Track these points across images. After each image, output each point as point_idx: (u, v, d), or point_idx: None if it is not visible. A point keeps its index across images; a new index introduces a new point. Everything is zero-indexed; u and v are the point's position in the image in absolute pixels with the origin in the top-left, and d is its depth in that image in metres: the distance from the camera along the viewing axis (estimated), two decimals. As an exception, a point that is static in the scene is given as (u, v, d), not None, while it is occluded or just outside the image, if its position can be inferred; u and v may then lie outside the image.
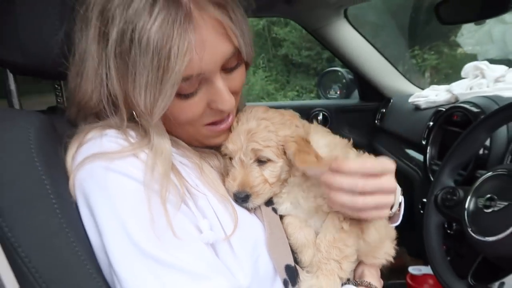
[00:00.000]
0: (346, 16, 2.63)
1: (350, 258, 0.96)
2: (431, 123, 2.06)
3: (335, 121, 3.04)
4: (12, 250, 0.71)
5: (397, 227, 1.16)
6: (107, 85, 0.87)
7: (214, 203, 0.92)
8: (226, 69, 0.91)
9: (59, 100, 1.19)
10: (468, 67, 2.23)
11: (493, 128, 1.36)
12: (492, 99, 1.72)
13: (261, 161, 0.98)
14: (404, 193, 1.15)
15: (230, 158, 1.01)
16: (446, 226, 1.52)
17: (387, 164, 0.91)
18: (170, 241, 0.80)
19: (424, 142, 2.09)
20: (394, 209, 1.01)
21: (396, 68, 2.86)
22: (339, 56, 2.86)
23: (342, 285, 0.97)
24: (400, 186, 1.15)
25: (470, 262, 1.26)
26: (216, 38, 0.84)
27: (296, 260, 0.99)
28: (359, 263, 1.08)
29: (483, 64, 2.16)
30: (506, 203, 1.11)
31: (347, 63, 2.89)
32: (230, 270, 0.88)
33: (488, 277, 1.18)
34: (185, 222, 0.85)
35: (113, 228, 0.78)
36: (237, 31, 0.86)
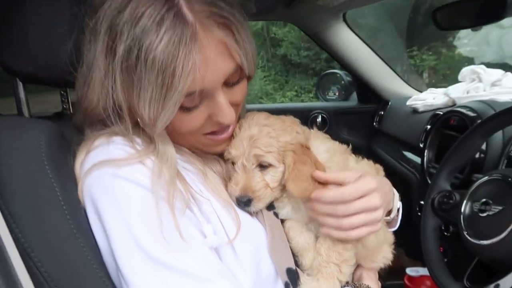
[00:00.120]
0: (345, 20, 2.66)
1: (349, 261, 0.99)
2: (429, 127, 2.10)
3: (333, 123, 3.06)
4: (26, 254, 0.74)
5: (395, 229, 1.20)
6: (112, 95, 0.90)
7: (217, 208, 0.95)
8: (228, 83, 0.94)
9: (64, 106, 1.21)
10: (465, 71, 2.26)
11: (488, 133, 1.39)
12: (488, 104, 1.76)
13: (262, 166, 1.00)
14: (402, 195, 1.18)
15: (233, 163, 1.04)
16: (443, 228, 1.55)
17: (367, 184, 0.96)
18: (176, 246, 0.83)
19: (421, 145, 2.12)
20: (392, 215, 1.05)
21: (395, 71, 2.89)
22: (338, 59, 2.89)
23: (341, 287, 1.00)
24: (398, 188, 1.19)
25: (466, 264, 1.30)
26: (219, 58, 0.87)
27: (296, 263, 1.02)
28: (358, 266, 1.11)
29: (480, 68, 2.19)
30: (500, 208, 1.14)
31: (346, 66, 2.92)
32: (233, 273, 0.91)
33: (483, 279, 1.21)
34: (190, 227, 0.88)
35: (121, 233, 0.81)
36: (241, 51, 0.89)
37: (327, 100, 3.43)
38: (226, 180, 1.06)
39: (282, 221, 1.06)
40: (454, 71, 6.24)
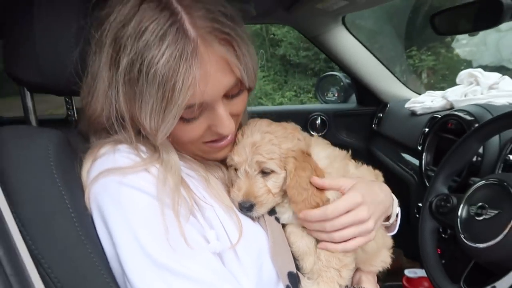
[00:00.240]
0: (344, 23, 2.68)
1: (349, 266, 1.02)
2: (427, 129, 2.13)
3: (333, 125, 3.09)
4: (37, 261, 0.76)
5: (394, 230, 1.23)
6: (115, 106, 0.93)
7: (220, 214, 0.98)
8: (228, 96, 0.96)
9: (69, 113, 1.24)
10: (463, 74, 2.29)
11: (485, 138, 1.42)
12: (486, 108, 1.78)
13: (265, 173, 1.03)
14: (400, 197, 1.21)
15: (235, 169, 1.06)
16: (441, 230, 1.58)
17: (352, 200, 1.00)
18: (181, 252, 0.85)
19: (419, 148, 2.15)
20: (391, 220, 1.08)
21: (393, 73, 2.92)
22: (337, 61, 2.91)
23: None
24: (397, 190, 1.22)
25: (463, 266, 1.32)
26: (219, 73, 0.89)
27: (297, 267, 1.04)
28: (357, 269, 1.14)
29: (478, 72, 2.22)
30: (496, 212, 1.17)
31: (345, 69, 2.95)
32: (235, 277, 0.93)
33: (480, 281, 1.23)
34: (194, 233, 0.91)
35: (127, 239, 0.84)
36: (241, 66, 0.91)
37: (326, 102, 3.46)
38: (228, 185, 1.08)
39: (283, 225, 1.08)
40: (452, 72, 6.27)
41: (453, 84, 2.35)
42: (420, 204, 1.86)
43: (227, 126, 0.96)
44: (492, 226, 1.16)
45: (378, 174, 1.22)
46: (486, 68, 2.36)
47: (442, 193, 1.45)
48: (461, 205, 1.30)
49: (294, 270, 1.02)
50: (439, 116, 2.03)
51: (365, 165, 1.19)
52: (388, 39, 6.70)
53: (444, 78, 6.75)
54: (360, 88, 3.06)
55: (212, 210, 0.97)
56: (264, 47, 10.13)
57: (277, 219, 1.07)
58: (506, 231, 1.10)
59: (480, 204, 1.23)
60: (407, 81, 2.95)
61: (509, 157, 1.51)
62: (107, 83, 0.92)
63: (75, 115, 1.24)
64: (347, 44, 2.77)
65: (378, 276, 1.21)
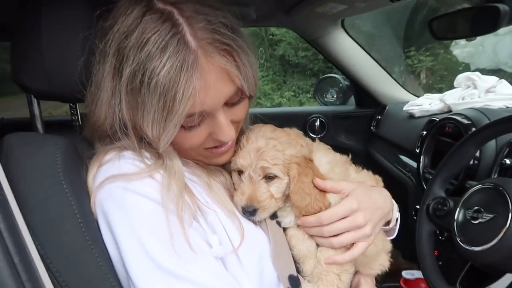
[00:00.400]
0: (343, 26, 2.71)
1: (349, 270, 1.06)
2: (425, 132, 2.15)
3: (332, 127, 3.11)
4: (45, 265, 0.78)
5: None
6: (118, 114, 0.95)
7: (222, 218, 1.00)
8: (228, 104, 0.99)
9: (73, 118, 1.26)
10: (461, 78, 2.32)
11: (482, 142, 1.45)
12: (482, 112, 1.81)
13: (268, 178, 1.05)
14: (398, 199, 1.24)
15: (239, 173, 1.09)
16: (437, 233, 1.60)
17: (348, 206, 1.04)
18: (184, 257, 0.88)
19: (417, 150, 2.17)
20: (391, 225, 1.11)
21: (392, 76, 2.94)
22: (336, 64, 2.94)
23: None
24: (395, 192, 1.25)
25: (459, 268, 1.34)
26: (219, 83, 0.91)
27: (298, 270, 1.07)
28: (356, 272, 1.16)
29: (475, 75, 2.24)
30: (492, 216, 1.19)
31: (344, 71, 2.97)
32: (237, 281, 0.96)
33: (476, 283, 1.26)
34: (197, 237, 0.93)
35: (132, 244, 0.86)
36: (241, 75, 0.93)
37: (325, 103, 3.48)
38: (230, 190, 1.11)
39: (284, 229, 1.10)
40: (451, 73, 6.30)
41: (451, 84, 2.38)
42: (417, 206, 1.88)
43: (227, 133, 0.99)
44: (487, 229, 1.18)
45: (378, 179, 1.25)
46: (484, 71, 2.39)
47: (439, 196, 1.48)
48: (458, 209, 1.32)
49: (295, 273, 1.04)
50: (437, 119, 2.06)
51: (365, 170, 1.22)
52: (387, 40, 6.72)
53: (442, 79, 6.77)
54: (359, 90, 3.09)
55: (214, 215, 1.00)
56: (263, 47, 10.13)
57: (278, 223, 1.09)
58: (501, 235, 1.12)
59: (476, 208, 1.25)
60: (405, 81, 2.98)
61: (505, 161, 1.53)
62: (110, 92, 0.94)
63: (79, 120, 1.26)
64: (346, 47, 2.80)
65: (376, 278, 1.24)
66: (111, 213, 0.89)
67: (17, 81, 1.01)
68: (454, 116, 1.88)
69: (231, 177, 1.13)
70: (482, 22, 1.54)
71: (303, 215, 1.04)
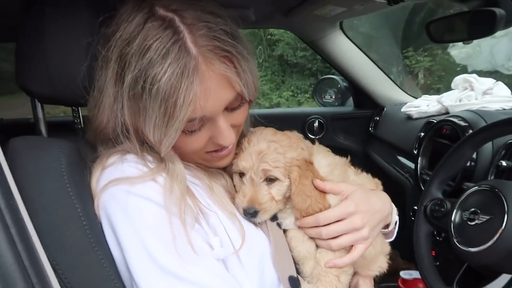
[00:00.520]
0: (341, 28, 2.72)
1: (348, 271, 1.08)
2: (422, 134, 2.18)
3: (330, 128, 3.13)
4: (52, 267, 0.80)
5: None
6: (120, 118, 0.97)
7: (224, 220, 1.02)
8: (228, 108, 1.00)
9: (76, 121, 1.28)
10: (458, 80, 2.34)
11: (478, 145, 1.47)
12: (479, 114, 1.83)
13: (269, 180, 1.07)
14: (396, 200, 1.26)
15: (240, 175, 1.10)
16: (435, 233, 1.62)
17: (345, 209, 1.06)
18: (186, 258, 0.89)
19: (415, 152, 2.20)
20: (390, 228, 1.13)
21: (390, 77, 2.96)
22: (334, 65, 2.95)
23: None
24: (393, 192, 1.28)
25: (456, 269, 1.37)
26: (219, 89, 0.93)
27: (297, 271, 1.08)
28: (355, 273, 1.18)
29: (472, 77, 2.27)
30: (488, 217, 1.21)
31: (343, 72, 2.99)
32: (239, 282, 0.97)
33: (472, 284, 1.28)
34: (199, 239, 0.95)
35: (134, 246, 0.88)
36: (241, 81, 0.95)
37: (324, 104, 3.50)
38: (231, 192, 1.12)
39: (284, 231, 1.12)
40: (449, 73, 6.32)
41: (449, 85, 2.40)
42: (415, 207, 1.90)
43: (228, 137, 1.01)
44: (484, 231, 1.20)
45: (378, 182, 1.27)
46: (481, 73, 2.40)
47: (436, 198, 1.50)
48: (455, 210, 1.34)
49: (295, 274, 1.06)
50: (435, 121, 2.08)
51: (364, 173, 1.24)
52: (385, 40, 6.74)
53: (440, 79, 6.81)
54: (357, 92, 3.10)
55: (216, 217, 1.01)
56: (261, 47, 10.14)
57: (279, 225, 1.11)
58: (496, 236, 1.14)
59: (473, 209, 1.27)
60: (403, 81, 3.00)
61: (501, 162, 1.56)
62: (113, 98, 0.96)
63: (82, 123, 1.27)
64: (344, 48, 2.81)
65: (374, 278, 1.26)
66: (114, 215, 0.91)
67: (21, 85, 1.03)
68: (451, 118, 1.90)
69: (232, 179, 1.14)
70: (479, 26, 1.56)
71: (303, 217, 1.06)
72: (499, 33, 1.50)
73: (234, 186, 1.14)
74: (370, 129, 3.03)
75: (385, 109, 2.91)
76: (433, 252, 1.57)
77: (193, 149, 1.02)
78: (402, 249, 2.24)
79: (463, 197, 1.34)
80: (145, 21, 0.89)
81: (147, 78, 0.87)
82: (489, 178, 1.58)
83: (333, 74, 3.62)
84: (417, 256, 1.47)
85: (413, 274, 2.12)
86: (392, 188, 1.31)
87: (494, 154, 1.61)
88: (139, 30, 0.89)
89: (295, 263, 1.09)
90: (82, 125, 1.28)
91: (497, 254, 1.15)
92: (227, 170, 1.16)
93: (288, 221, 1.12)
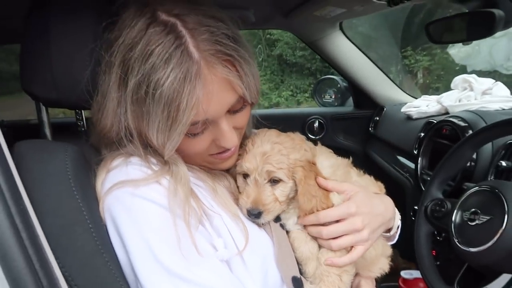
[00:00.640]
0: (341, 28, 2.74)
1: (349, 271, 1.09)
2: (422, 134, 2.19)
3: (330, 128, 3.15)
4: (59, 270, 0.81)
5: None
6: (124, 122, 0.98)
7: (227, 222, 1.03)
8: (231, 111, 1.01)
9: (79, 124, 1.29)
10: (457, 80, 2.35)
11: (478, 145, 1.49)
12: (479, 114, 1.85)
13: (273, 181, 1.08)
14: (396, 199, 1.27)
15: (244, 176, 1.11)
16: (435, 233, 1.64)
17: (346, 210, 1.07)
18: (190, 259, 0.90)
19: (415, 152, 2.21)
20: (392, 232, 1.14)
21: (389, 77, 2.98)
22: (334, 65, 2.97)
23: None
24: (393, 192, 1.29)
25: (457, 268, 1.38)
26: (222, 92, 0.94)
27: (300, 272, 1.09)
28: (356, 274, 1.20)
29: (471, 77, 2.28)
30: (488, 217, 1.22)
31: (343, 73, 3.00)
32: (242, 283, 0.98)
33: (473, 283, 1.29)
34: (202, 241, 0.96)
35: (140, 248, 0.89)
36: (243, 85, 0.96)
37: (323, 104, 3.51)
38: (235, 193, 1.13)
39: (287, 232, 1.13)
40: (448, 72, 6.33)
41: (448, 84, 2.41)
42: (416, 207, 1.91)
43: (230, 140, 1.02)
44: (484, 231, 1.21)
45: (381, 185, 1.28)
46: (480, 73, 2.42)
47: (436, 198, 1.51)
48: (455, 210, 1.35)
49: (298, 275, 1.07)
50: (434, 122, 2.09)
51: (367, 175, 1.25)
52: (384, 40, 6.74)
53: (439, 78, 6.81)
54: (357, 92, 3.12)
55: (220, 219, 1.02)
56: (260, 46, 10.14)
57: (282, 226, 1.12)
58: (497, 236, 1.15)
59: (473, 209, 1.28)
60: (402, 81, 3.01)
61: (501, 163, 1.57)
62: (116, 102, 0.97)
63: (85, 125, 1.28)
64: (344, 49, 2.83)
65: (375, 279, 1.27)
66: (119, 218, 0.92)
67: (26, 90, 1.04)
68: (451, 119, 1.91)
69: (235, 181, 1.15)
70: (478, 27, 1.57)
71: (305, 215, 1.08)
72: (498, 33, 1.51)
73: (238, 187, 1.15)
74: (370, 129, 3.04)
75: (385, 109, 2.92)
76: (434, 251, 1.58)
77: (196, 152, 1.03)
78: (402, 248, 2.25)
79: (463, 198, 1.36)
80: (148, 26, 0.90)
81: (150, 82, 0.88)
82: (489, 178, 1.59)
83: (332, 74, 3.64)
84: (418, 256, 1.49)
85: (414, 273, 2.13)
86: (392, 188, 1.32)
87: (494, 154, 1.62)
88: (142, 35, 0.90)
89: (298, 263, 1.10)
90: (85, 128, 1.29)
91: (497, 254, 1.16)
92: (230, 172, 1.17)
93: (291, 221, 1.13)
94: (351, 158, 1.24)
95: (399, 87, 3.00)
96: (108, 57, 0.95)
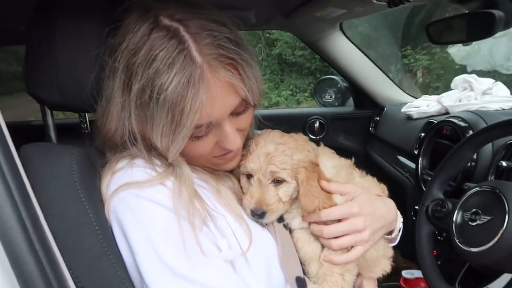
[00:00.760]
0: (341, 29, 2.75)
1: (352, 271, 1.10)
2: (423, 134, 2.20)
3: (331, 128, 3.16)
4: (67, 272, 0.82)
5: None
6: (128, 126, 0.99)
7: (231, 223, 1.04)
8: (234, 113, 1.02)
9: (83, 126, 1.30)
10: (457, 80, 2.36)
11: (479, 146, 1.49)
12: (479, 114, 1.85)
13: (276, 181, 1.09)
14: (397, 199, 1.28)
15: (247, 177, 1.12)
16: (436, 233, 1.65)
17: (348, 209, 1.08)
18: (195, 260, 0.92)
19: (416, 152, 2.22)
20: (393, 235, 1.15)
21: (389, 77, 2.99)
22: (334, 66, 2.98)
23: None
24: (393, 192, 1.30)
25: (458, 268, 1.39)
26: (225, 95, 0.95)
27: (304, 272, 1.10)
28: (358, 275, 1.21)
29: (472, 77, 2.29)
30: (489, 218, 1.23)
31: (343, 73, 3.01)
32: (246, 283, 0.99)
33: (474, 283, 1.30)
34: (207, 242, 0.97)
35: (145, 249, 0.90)
36: (246, 87, 0.97)
37: (324, 104, 3.52)
38: (238, 194, 1.14)
39: (290, 232, 1.14)
40: (447, 71, 6.34)
41: (448, 83, 2.41)
42: (416, 207, 1.92)
43: (234, 141, 1.03)
44: (485, 231, 1.22)
45: (384, 187, 1.29)
46: (480, 72, 2.42)
47: (437, 198, 1.52)
48: (456, 211, 1.36)
49: (302, 275, 1.08)
50: (435, 122, 2.10)
51: (369, 176, 1.26)
52: (384, 39, 6.75)
53: (439, 78, 6.82)
54: (357, 92, 3.12)
55: (223, 220, 1.03)
56: (260, 46, 10.15)
57: (285, 226, 1.13)
58: (498, 236, 1.16)
59: (474, 210, 1.29)
60: (402, 80, 3.01)
61: (501, 163, 1.58)
62: (120, 106, 0.98)
63: (88, 127, 1.29)
64: (344, 49, 2.84)
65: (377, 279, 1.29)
66: (125, 220, 0.93)
67: (31, 93, 1.05)
68: (451, 119, 1.92)
69: (239, 182, 1.16)
70: (478, 27, 1.58)
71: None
72: (498, 33, 1.51)
73: (241, 187, 1.15)
74: (370, 129, 3.05)
75: (385, 109, 2.93)
76: (435, 251, 1.59)
77: (200, 154, 1.04)
78: (403, 248, 2.27)
79: (464, 198, 1.36)
80: (150, 32, 0.91)
81: (154, 87, 0.89)
82: (489, 179, 1.60)
83: (332, 73, 3.65)
84: (419, 256, 1.49)
85: (415, 273, 2.15)
86: (393, 188, 1.33)
87: (494, 154, 1.63)
88: (145, 40, 0.91)
89: (301, 263, 1.11)
90: (89, 130, 1.30)
91: (498, 254, 1.17)
92: (234, 172, 1.18)
93: (294, 222, 1.14)
94: (353, 159, 1.25)
95: (399, 87, 3.01)
96: (111, 63, 0.96)
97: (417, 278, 2.13)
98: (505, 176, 1.57)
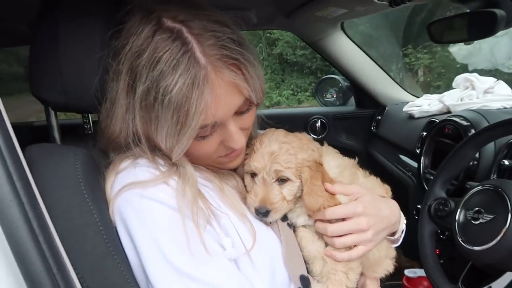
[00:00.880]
0: (343, 28, 2.75)
1: (356, 270, 1.10)
2: (424, 133, 2.20)
3: (332, 128, 3.16)
4: (72, 271, 0.82)
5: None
6: (132, 128, 1.00)
7: (235, 221, 1.04)
8: (237, 113, 1.03)
9: (86, 127, 1.30)
10: (459, 79, 2.36)
11: (481, 145, 1.49)
12: (481, 113, 1.86)
13: (280, 180, 1.09)
14: (399, 198, 1.28)
15: (251, 175, 1.13)
16: (439, 232, 1.65)
17: (352, 209, 1.09)
18: (200, 259, 0.92)
19: (418, 151, 2.22)
20: (396, 236, 1.15)
21: (391, 77, 2.99)
22: (336, 65, 2.98)
23: None
24: (395, 192, 1.30)
25: (461, 267, 1.39)
26: (229, 95, 0.96)
27: (308, 270, 1.11)
28: (362, 274, 1.21)
29: (473, 76, 2.29)
30: (492, 216, 1.23)
31: (344, 72, 3.02)
32: (250, 282, 1.00)
33: (477, 282, 1.30)
34: (211, 241, 0.98)
35: (150, 249, 0.91)
36: (249, 87, 0.97)
37: (325, 103, 3.52)
38: (242, 193, 1.15)
39: (294, 230, 1.15)
40: (448, 70, 6.34)
41: (449, 82, 2.41)
42: (419, 206, 1.93)
43: (238, 140, 1.03)
44: (488, 230, 1.23)
45: (388, 188, 1.29)
46: (481, 71, 2.42)
47: (440, 197, 1.52)
48: (459, 209, 1.36)
49: (306, 274, 1.08)
50: (437, 121, 2.10)
51: (373, 176, 1.26)
52: (385, 38, 6.75)
53: (440, 76, 6.82)
54: (359, 91, 3.13)
55: (227, 219, 1.04)
56: (261, 46, 10.15)
57: (289, 225, 1.14)
58: (500, 235, 1.16)
59: (477, 208, 1.29)
60: (403, 79, 3.01)
61: (503, 162, 1.58)
62: (125, 108, 0.99)
63: (92, 128, 1.30)
64: (345, 49, 2.84)
65: (380, 279, 1.29)
66: (129, 219, 0.94)
67: (35, 94, 1.05)
68: (453, 118, 1.92)
69: (243, 180, 1.17)
70: (480, 27, 1.58)
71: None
72: (499, 32, 1.51)
73: (245, 186, 1.16)
74: (372, 128, 3.05)
75: (386, 108, 2.93)
76: (437, 250, 1.59)
77: (205, 153, 1.04)
78: (406, 247, 2.27)
79: (466, 197, 1.37)
80: (154, 33, 0.91)
81: (159, 89, 0.90)
82: (491, 177, 1.60)
83: (333, 73, 3.65)
84: (422, 255, 1.50)
85: (418, 272, 2.15)
86: (395, 187, 1.33)
87: (496, 153, 1.64)
88: (148, 42, 0.91)
89: (305, 262, 1.11)
90: (92, 131, 1.30)
91: (501, 252, 1.17)
92: (237, 171, 1.19)
93: (298, 220, 1.14)
94: (356, 159, 1.25)
95: (400, 86, 3.01)
96: (115, 65, 0.97)
97: (419, 277, 2.13)
98: (507, 175, 1.57)
